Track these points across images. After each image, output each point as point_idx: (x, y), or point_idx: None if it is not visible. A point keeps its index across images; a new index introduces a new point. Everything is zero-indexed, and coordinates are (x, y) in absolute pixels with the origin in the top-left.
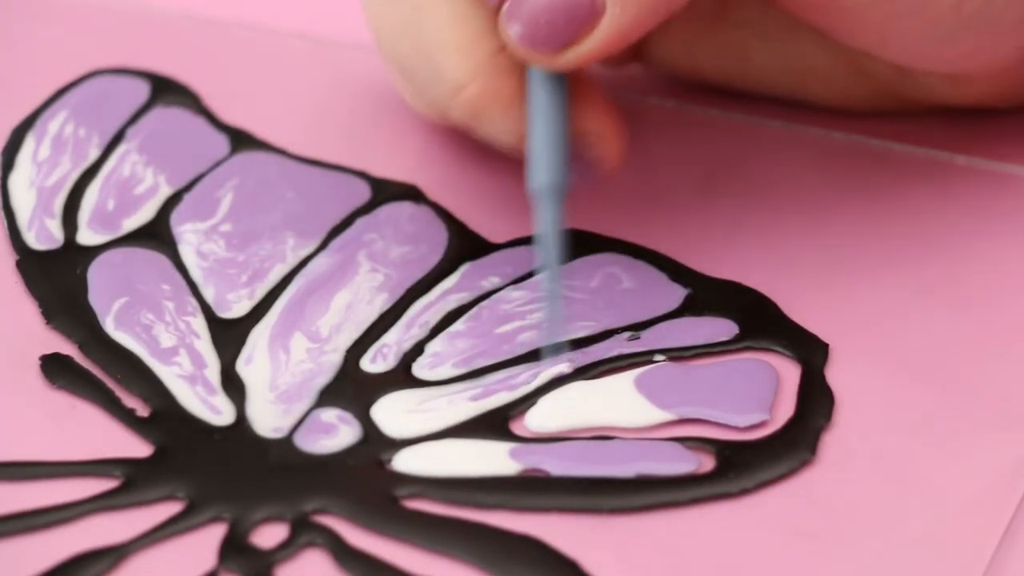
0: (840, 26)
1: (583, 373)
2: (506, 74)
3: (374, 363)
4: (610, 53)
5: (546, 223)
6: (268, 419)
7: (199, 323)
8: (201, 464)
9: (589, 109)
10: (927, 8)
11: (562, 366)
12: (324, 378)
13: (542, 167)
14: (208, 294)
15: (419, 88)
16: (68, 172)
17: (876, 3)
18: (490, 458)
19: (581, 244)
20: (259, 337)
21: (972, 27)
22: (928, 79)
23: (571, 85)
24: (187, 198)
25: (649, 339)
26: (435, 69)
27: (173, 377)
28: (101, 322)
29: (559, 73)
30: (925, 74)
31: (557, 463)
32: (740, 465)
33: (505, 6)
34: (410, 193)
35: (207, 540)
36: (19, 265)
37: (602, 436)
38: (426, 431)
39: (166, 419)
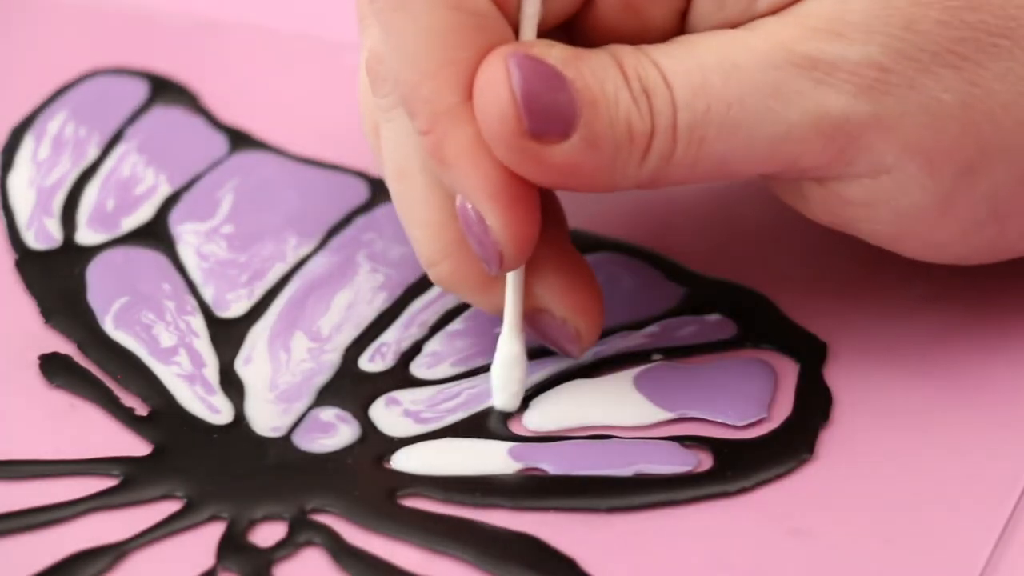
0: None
1: (583, 373)
2: (474, 259)
3: (372, 362)
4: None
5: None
6: (267, 418)
7: (198, 322)
8: (199, 463)
9: (566, 286)
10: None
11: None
12: (323, 377)
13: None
14: (207, 294)
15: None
16: (67, 172)
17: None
18: (489, 457)
19: (581, 244)
20: (258, 337)
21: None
22: None
23: (546, 262)
24: (186, 198)
25: (648, 338)
26: (411, 238)
27: (172, 376)
28: (100, 321)
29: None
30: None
31: (555, 462)
32: (738, 464)
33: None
34: None
35: (205, 539)
36: (18, 265)
37: (600, 435)
38: (424, 430)
39: (165, 418)
